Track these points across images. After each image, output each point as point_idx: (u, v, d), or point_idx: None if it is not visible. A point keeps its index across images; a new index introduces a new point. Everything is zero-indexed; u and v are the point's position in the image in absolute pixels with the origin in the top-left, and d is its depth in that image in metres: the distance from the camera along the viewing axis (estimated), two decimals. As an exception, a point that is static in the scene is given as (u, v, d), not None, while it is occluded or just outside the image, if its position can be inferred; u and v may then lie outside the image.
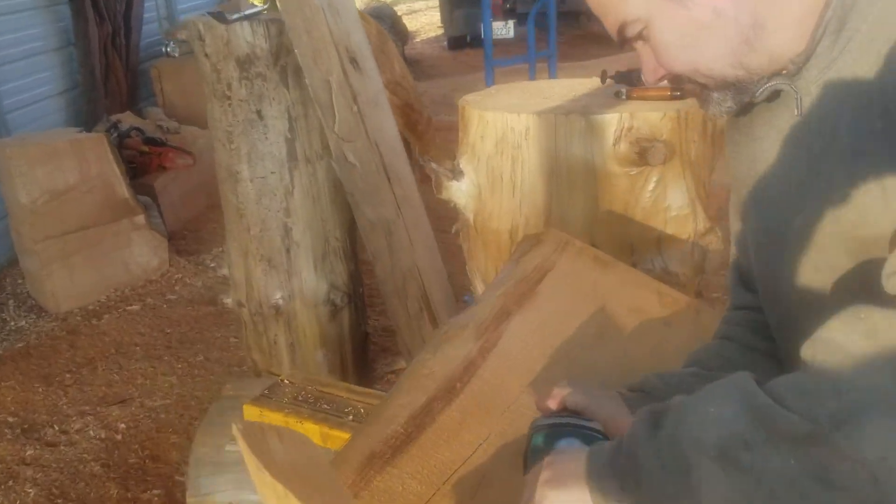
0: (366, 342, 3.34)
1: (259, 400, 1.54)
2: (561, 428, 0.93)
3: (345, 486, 0.77)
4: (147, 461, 2.87)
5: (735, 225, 1.13)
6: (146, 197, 4.49)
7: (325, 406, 1.52)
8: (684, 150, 1.81)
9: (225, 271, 3.16)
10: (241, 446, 0.58)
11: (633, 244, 1.86)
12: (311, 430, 1.47)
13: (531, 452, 0.94)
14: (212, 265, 4.58)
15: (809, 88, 0.88)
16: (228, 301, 3.19)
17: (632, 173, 1.78)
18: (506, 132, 1.80)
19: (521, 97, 1.96)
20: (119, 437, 3.00)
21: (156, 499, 2.67)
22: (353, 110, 2.68)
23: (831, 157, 0.85)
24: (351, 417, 1.47)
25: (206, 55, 2.76)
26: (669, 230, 1.86)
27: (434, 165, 1.86)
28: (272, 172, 2.87)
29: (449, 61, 10.51)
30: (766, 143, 0.99)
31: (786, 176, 0.95)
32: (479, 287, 2.06)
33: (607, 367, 1.27)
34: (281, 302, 3.02)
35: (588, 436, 0.92)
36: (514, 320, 1.28)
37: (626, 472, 0.74)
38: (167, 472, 2.82)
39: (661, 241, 1.86)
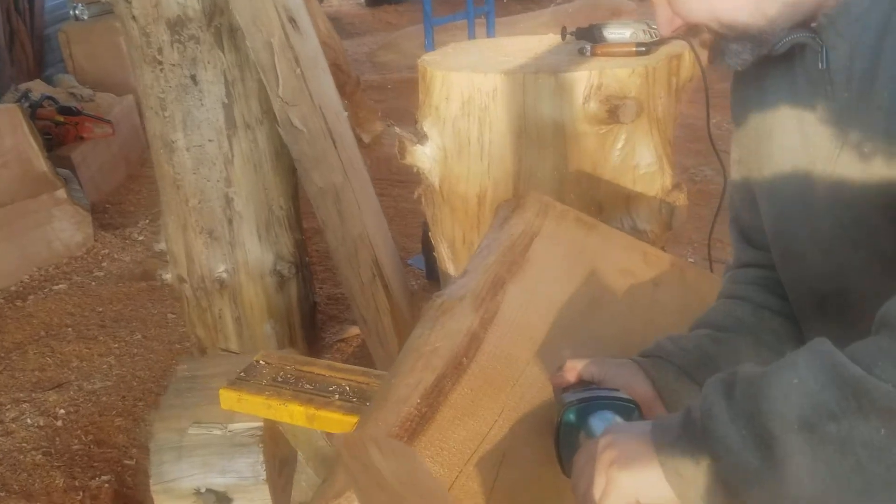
0: (314, 312, 3.27)
1: (236, 383, 1.46)
2: (592, 402, 0.90)
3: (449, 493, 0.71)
4: (92, 446, 2.75)
5: (738, 180, 1.11)
6: (65, 170, 4.25)
7: (308, 386, 1.45)
8: (651, 106, 1.79)
9: (162, 246, 3.02)
10: (347, 465, 0.52)
11: (601, 203, 1.84)
12: (297, 412, 1.40)
13: (563, 429, 0.91)
14: (139, 238, 4.40)
15: (835, 41, 0.86)
16: (167, 276, 3.06)
17: (601, 132, 1.76)
18: (472, 93, 1.75)
19: (481, 56, 1.90)
20: (59, 423, 2.86)
21: (105, 485, 2.57)
22: (296, 73, 2.57)
23: (862, 108, 0.83)
24: (337, 396, 1.41)
25: (134, 18, 2.59)
26: (638, 188, 1.85)
27: (398, 129, 1.79)
28: (210, 140, 2.74)
29: (368, 18, 10.30)
30: (778, 97, 0.97)
31: (804, 130, 0.93)
32: (445, 254, 2.01)
33: (605, 330, 1.26)
34: (225, 275, 2.91)
35: (622, 407, 0.89)
36: (509, 289, 1.24)
37: (701, 446, 0.70)
38: (115, 456, 2.71)
39: (629, 200, 1.85)
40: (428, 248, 3.66)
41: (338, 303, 3.64)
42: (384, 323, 2.87)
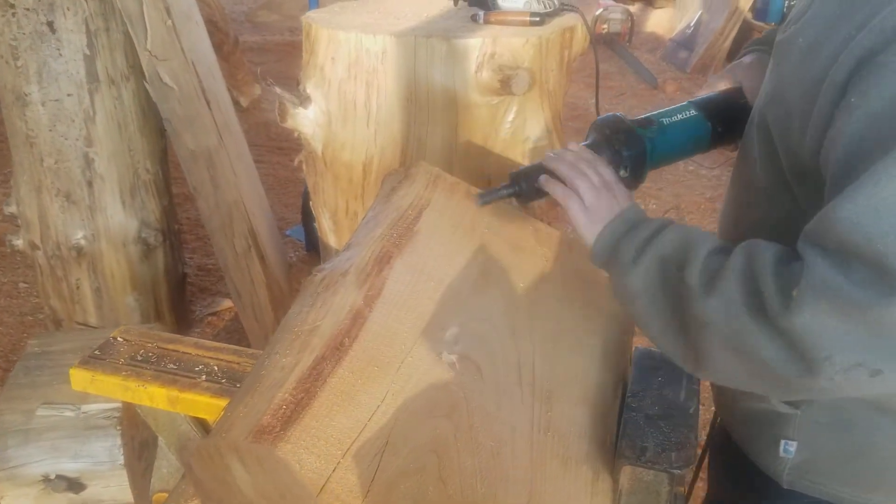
0: (183, 283, 3.08)
1: (88, 362, 1.32)
2: None
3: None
4: (-72, 429, 2.49)
5: None
6: None
7: (172, 365, 1.32)
8: (543, 79, 1.74)
9: (13, 209, 2.76)
10: (198, 482, 0.42)
11: (490, 176, 1.78)
12: (157, 394, 1.28)
13: None
14: (-14, 201, 4.03)
15: None
16: (19, 242, 2.80)
17: (492, 103, 1.69)
18: (360, 55, 1.64)
19: (371, 16, 1.80)
20: None
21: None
22: (166, 24, 2.38)
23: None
24: (204, 377, 1.29)
25: (-19, -48, 2.33)
26: (527, 162, 1.79)
27: (278, 90, 1.67)
28: (69, 95, 2.51)
29: (247, -23, 9.86)
30: None
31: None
32: (326, 225, 1.90)
33: (494, 306, 1.20)
34: (83, 242, 2.70)
35: None
36: (396, 264, 1.16)
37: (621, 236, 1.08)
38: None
39: (518, 174, 1.80)
40: (308, 219, 3.53)
41: (209, 274, 3.46)
42: (259, 296, 2.73)
